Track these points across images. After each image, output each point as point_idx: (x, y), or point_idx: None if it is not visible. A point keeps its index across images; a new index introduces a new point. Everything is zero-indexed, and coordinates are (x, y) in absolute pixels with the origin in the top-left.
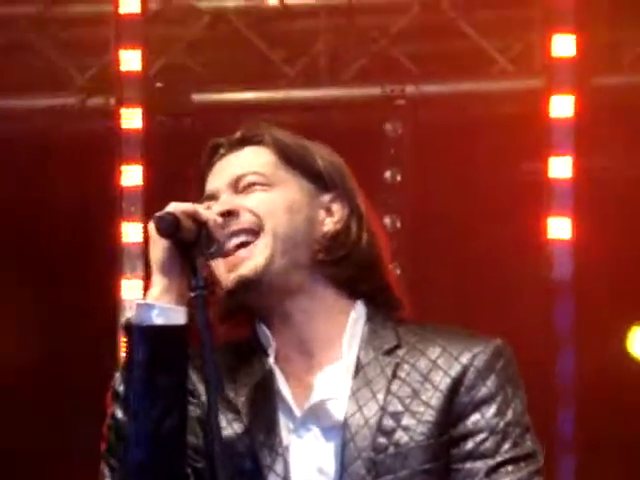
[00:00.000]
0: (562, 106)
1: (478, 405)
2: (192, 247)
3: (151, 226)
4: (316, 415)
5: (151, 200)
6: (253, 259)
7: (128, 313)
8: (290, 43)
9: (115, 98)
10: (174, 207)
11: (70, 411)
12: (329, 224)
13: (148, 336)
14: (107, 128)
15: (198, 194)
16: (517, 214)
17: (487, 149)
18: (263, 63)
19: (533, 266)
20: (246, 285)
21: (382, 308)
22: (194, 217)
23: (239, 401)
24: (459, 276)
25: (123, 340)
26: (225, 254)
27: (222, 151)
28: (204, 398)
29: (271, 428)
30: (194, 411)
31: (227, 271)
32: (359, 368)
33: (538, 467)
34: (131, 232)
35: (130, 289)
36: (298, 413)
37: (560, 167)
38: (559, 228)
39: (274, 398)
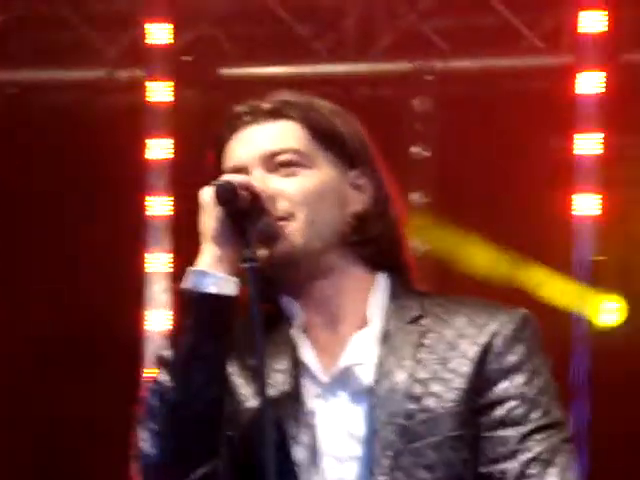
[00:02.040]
0: (591, 83)
1: (507, 372)
2: (245, 218)
3: (207, 194)
4: (343, 381)
5: (178, 174)
6: (290, 240)
7: (154, 285)
8: (318, 18)
9: (144, 71)
10: (231, 177)
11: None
12: (358, 203)
13: (201, 303)
14: (135, 101)
15: (214, 162)
16: (544, 190)
17: (515, 125)
18: (291, 38)
19: (558, 242)
20: (279, 264)
21: (404, 281)
22: (248, 188)
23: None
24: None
25: (172, 309)
26: (270, 229)
27: (247, 119)
28: (230, 369)
29: (296, 397)
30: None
31: (262, 247)
32: (385, 336)
33: (567, 435)
34: (157, 206)
35: (154, 262)
36: (325, 379)
37: (587, 144)
38: (585, 205)
39: (299, 367)
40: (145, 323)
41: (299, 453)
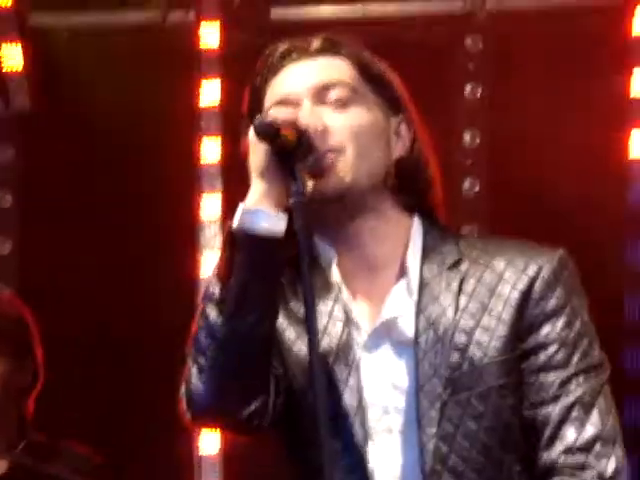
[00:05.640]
0: None
1: (548, 317)
2: (292, 154)
3: (251, 131)
4: (387, 332)
5: (229, 117)
6: (340, 174)
7: (208, 229)
8: None
9: (195, 13)
10: (274, 113)
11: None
12: (399, 148)
13: (253, 241)
14: (186, 45)
15: (255, 100)
16: (597, 129)
17: (568, 63)
18: None
19: (613, 186)
20: (324, 199)
21: (438, 226)
22: (294, 124)
23: None
24: (535, 191)
25: (221, 246)
26: (321, 164)
27: (295, 56)
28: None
29: (343, 343)
30: None
31: (310, 179)
32: (424, 284)
33: (607, 376)
34: (209, 149)
35: (209, 206)
36: (368, 329)
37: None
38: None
39: (343, 313)
40: (200, 268)
41: (349, 398)
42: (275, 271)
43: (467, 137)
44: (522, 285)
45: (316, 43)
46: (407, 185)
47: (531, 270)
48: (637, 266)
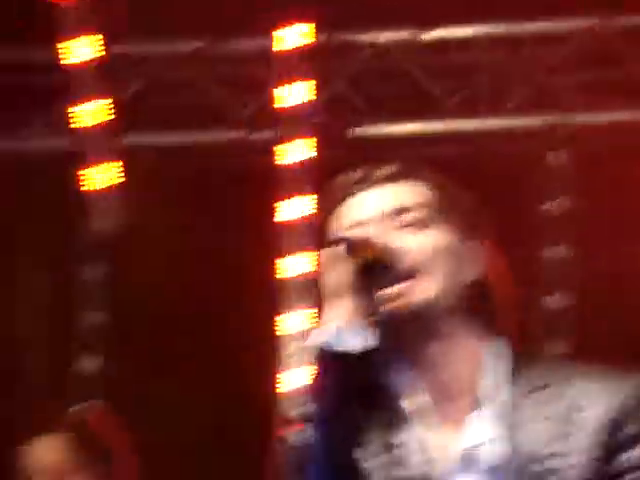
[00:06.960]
0: None
1: (630, 443)
2: (369, 273)
3: (326, 253)
4: (468, 461)
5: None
6: (415, 296)
7: (298, 342)
8: (452, 75)
9: (276, 132)
10: (350, 234)
11: None
12: (474, 271)
13: (341, 361)
14: (270, 162)
15: (330, 223)
16: None
17: None
18: (424, 96)
19: None
20: (406, 317)
21: (516, 349)
22: (371, 244)
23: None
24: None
25: (309, 367)
26: (397, 285)
27: (370, 183)
28: None
29: (420, 474)
30: None
31: (386, 300)
32: (505, 410)
33: None
34: (294, 265)
35: (292, 321)
36: (445, 459)
37: None
38: None
39: (417, 443)
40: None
41: None
42: (365, 388)
43: (549, 253)
44: (604, 412)
45: (393, 168)
46: (480, 308)
47: (614, 398)
48: None
